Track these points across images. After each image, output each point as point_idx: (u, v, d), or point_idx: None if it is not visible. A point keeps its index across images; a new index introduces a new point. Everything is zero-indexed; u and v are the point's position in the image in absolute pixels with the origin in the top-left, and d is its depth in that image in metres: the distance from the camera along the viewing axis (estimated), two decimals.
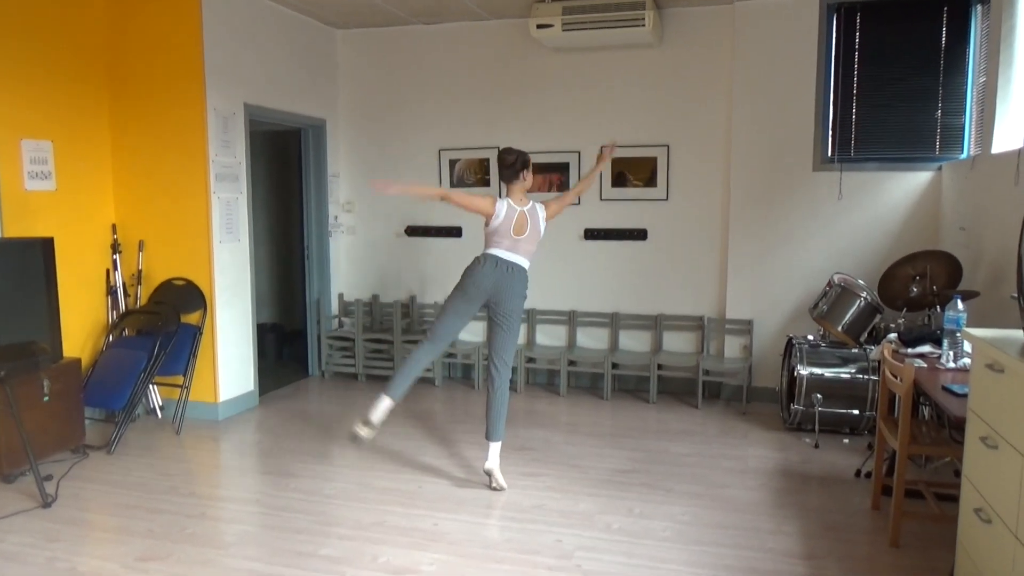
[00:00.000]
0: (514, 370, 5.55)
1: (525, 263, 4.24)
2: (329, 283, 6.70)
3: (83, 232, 5.17)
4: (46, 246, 4.39)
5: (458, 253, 6.38)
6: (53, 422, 4.39)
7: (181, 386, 5.17)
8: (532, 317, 6.37)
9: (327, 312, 6.65)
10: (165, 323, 5.07)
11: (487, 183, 6.40)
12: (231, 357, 5.45)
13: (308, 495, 4.00)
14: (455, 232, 6.52)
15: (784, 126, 5.60)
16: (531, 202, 4.27)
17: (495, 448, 4.15)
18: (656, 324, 6.12)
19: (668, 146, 5.96)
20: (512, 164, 4.24)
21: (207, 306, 5.26)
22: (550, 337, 6.40)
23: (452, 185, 6.51)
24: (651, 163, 6.01)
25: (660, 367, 5.89)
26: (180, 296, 5.28)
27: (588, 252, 6.23)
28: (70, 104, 5.02)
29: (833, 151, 5.60)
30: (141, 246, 5.41)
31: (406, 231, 6.72)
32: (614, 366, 6.04)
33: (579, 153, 6.16)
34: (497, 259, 4.16)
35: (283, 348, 7.38)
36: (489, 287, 4.13)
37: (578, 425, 5.28)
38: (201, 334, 5.22)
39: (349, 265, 6.90)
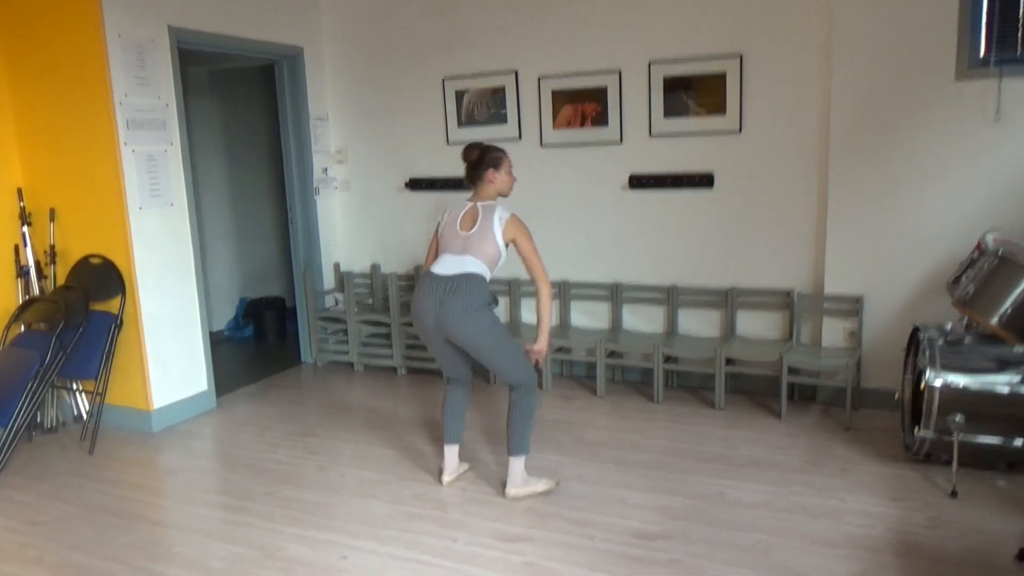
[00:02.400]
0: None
1: (478, 267, 3.18)
2: (318, 250, 5.48)
3: None
4: None
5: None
6: None
7: (93, 392, 4.10)
8: (565, 292, 4.91)
9: (318, 286, 5.45)
10: (65, 314, 3.99)
11: (503, 119, 4.93)
12: (169, 352, 4.33)
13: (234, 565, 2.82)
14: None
15: (912, 17, 3.81)
16: (496, 206, 3.25)
17: (513, 465, 3.31)
18: (727, 301, 4.53)
19: (741, 57, 4.27)
20: (475, 162, 3.27)
21: (125, 290, 4.14)
22: (589, 317, 4.94)
23: (460, 124, 5.09)
24: (718, 82, 4.35)
25: (730, 361, 4.33)
26: (96, 278, 4.18)
27: (635, 206, 4.68)
28: None
29: (988, 49, 3.77)
30: (52, 215, 4.33)
31: (407, 184, 5.37)
32: (668, 359, 4.53)
33: (619, 73, 4.57)
34: (432, 279, 3.19)
35: (286, 327, 6.28)
36: (431, 324, 3.18)
37: (608, 445, 3.85)
38: (119, 326, 4.12)
39: (346, 228, 5.65)
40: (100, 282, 4.15)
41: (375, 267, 5.49)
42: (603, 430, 4.07)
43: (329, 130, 5.49)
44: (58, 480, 3.66)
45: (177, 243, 4.35)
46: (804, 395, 4.41)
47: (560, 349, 4.83)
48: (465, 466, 3.54)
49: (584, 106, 4.69)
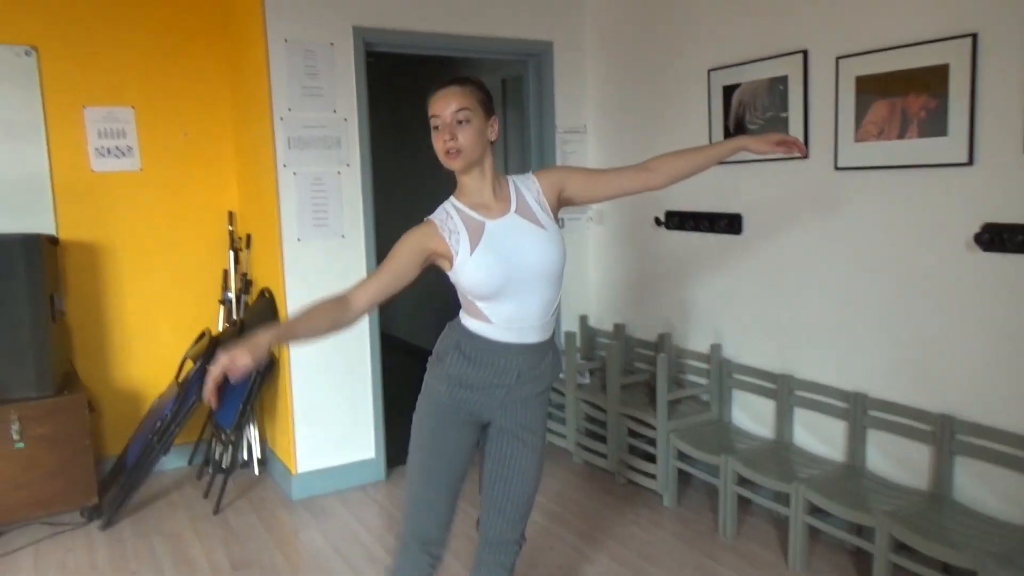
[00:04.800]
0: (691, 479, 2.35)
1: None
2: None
3: (190, 223, 4.05)
4: (28, 245, 3.34)
5: (736, 259, 3.47)
6: (31, 475, 3.36)
7: (225, 443, 3.67)
8: (857, 416, 2.95)
9: (573, 342, 4.32)
10: (212, 353, 3.62)
11: (783, 124, 3.18)
12: (323, 409, 3.70)
13: None
14: (729, 223, 3.47)
15: None
16: (509, 183, 2.01)
17: None
18: None
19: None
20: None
21: None
22: (893, 462, 2.89)
23: (727, 133, 3.46)
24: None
25: None
26: (263, 315, 3.76)
27: (992, 283, 2.53)
28: (154, 57, 3.91)
29: None
30: (248, 242, 4.06)
31: (658, 221, 3.90)
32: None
33: (972, 39, 2.49)
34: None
35: None
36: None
37: None
38: (261, 373, 3.61)
39: (599, 272, 4.40)
40: (265, 320, 3.72)
41: (619, 328, 4.15)
42: None
43: (586, 145, 4.32)
44: (164, 533, 3.30)
45: (346, 281, 3.69)
46: None
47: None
48: None
49: (907, 101, 2.69)
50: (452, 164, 1.89)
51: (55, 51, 3.68)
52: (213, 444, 3.89)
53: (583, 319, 4.38)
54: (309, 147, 3.55)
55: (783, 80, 3.15)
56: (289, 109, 3.48)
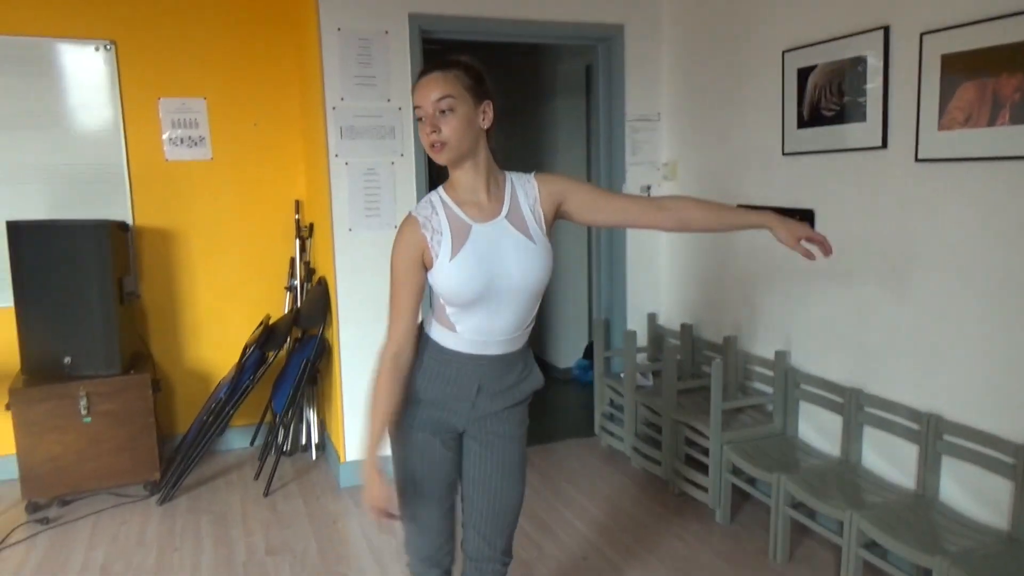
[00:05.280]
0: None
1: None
2: (623, 296, 4.14)
3: (259, 210, 4.14)
4: (98, 231, 3.50)
5: (806, 259, 3.19)
6: (98, 449, 3.54)
7: (275, 425, 3.71)
8: (929, 440, 2.60)
9: (615, 343, 4.13)
10: (266, 340, 3.67)
11: (859, 113, 2.84)
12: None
13: None
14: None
15: None
16: (506, 182, 1.84)
17: None
18: None
19: None
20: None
21: (327, 322, 3.62)
22: (976, 499, 2.53)
23: (801, 123, 3.13)
24: None
25: None
26: (319, 303, 3.79)
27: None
28: (226, 48, 3.99)
29: None
30: (311, 230, 4.10)
31: None
32: None
33: None
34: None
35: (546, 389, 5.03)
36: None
37: None
38: (311, 361, 3.63)
39: (672, 269, 4.15)
40: (319, 309, 3.75)
41: (686, 328, 3.89)
42: None
43: (660, 135, 4.07)
44: (213, 512, 3.39)
45: None
46: None
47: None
48: None
49: (998, 82, 2.32)
50: (438, 158, 1.71)
51: (133, 45, 3.83)
52: (271, 427, 3.97)
53: (651, 317, 4.15)
54: (362, 136, 3.52)
55: (861, 61, 2.81)
56: (342, 98, 3.47)
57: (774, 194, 3.32)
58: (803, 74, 3.09)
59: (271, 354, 3.76)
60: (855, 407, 2.91)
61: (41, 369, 3.53)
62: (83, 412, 3.49)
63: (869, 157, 2.83)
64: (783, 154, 3.24)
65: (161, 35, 3.87)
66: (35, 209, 3.72)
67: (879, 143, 2.76)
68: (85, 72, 3.78)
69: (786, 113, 3.20)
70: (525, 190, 1.79)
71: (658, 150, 4.07)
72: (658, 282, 4.18)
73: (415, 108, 1.71)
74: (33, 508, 3.46)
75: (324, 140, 3.48)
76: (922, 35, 2.56)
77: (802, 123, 3.12)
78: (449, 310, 1.77)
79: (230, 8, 3.98)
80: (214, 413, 3.60)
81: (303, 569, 2.96)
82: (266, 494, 3.61)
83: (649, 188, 4.08)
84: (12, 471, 3.62)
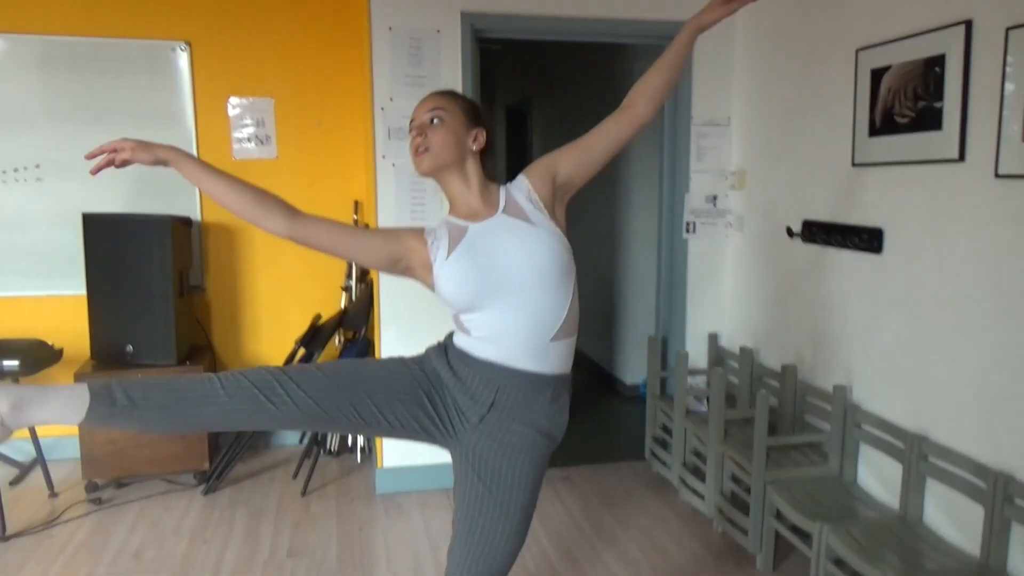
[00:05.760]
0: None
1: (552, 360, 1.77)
2: (682, 313, 3.88)
3: (321, 210, 4.15)
4: (160, 226, 3.63)
5: (873, 283, 2.89)
6: (152, 436, 3.66)
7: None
8: (1001, 500, 2.24)
9: (670, 363, 3.87)
10: (310, 339, 3.68)
11: (934, 120, 2.49)
12: None
13: None
14: (868, 239, 2.82)
15: None
16: (501, 189, 1.83)
17: None
18: None
19: None
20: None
21: (367, 324, 3.60)
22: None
23: (873, 131, 2.79)
24: None
25: None
26: (362, 304, 3.77)
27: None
28: (294, 49, 4.04)
29: None
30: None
31: (790, 232, 3.28)
32: None
33: None
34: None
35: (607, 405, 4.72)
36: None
37: None
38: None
39: (735, 286, 3.85)
40: (364, 310, 3.74)
41: (745, 352, 3.59)
42: None
43: (730, 141, 3.78)
44: (251, 507, 3.45)
45: None
46: None
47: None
48: None
49: None
50: (419, 164, 1.76)
51: (206, 45, 3.96)
52: None
53: (712, 338, 3.86)
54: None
55: (939, 60, 2.46)
56: (391, 99, 3.43)
57: (841, 210, 2.99)
58: (877, 75, 2.75)
59: (316, 353, 3.78)
60: (917, 456, 2.56)
61: (106, 355, 3.71)
62: None
63: (943, 171, 2.47)
64: (852, 165, 2.91)
65: (233, 36, 3.99)
66: (112, 202, 3.92)
67: (955, 155, 2.41)
68: (163, 72, 3.94)
69: (857, 119, 2.86)
70: (518, 187, 1.79)
71: (726, 157, 3.79)
72: (721, 301, 3.89)
73: (410, 123, 1.79)
74: (92, 488, 3.64)
75: (372, 140, 3.46)
76: (1008, 30, 2.20)
77: (874, 131, 2.78)
78: (463, 317, 1.74)
79: (298, 10, 4.04)
80: None
81: (319, 572, 2.94)
82: (303, 494, 3.63)
83: (715, 198, 3.81)
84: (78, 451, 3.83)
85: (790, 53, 3.32)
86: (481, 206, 1.76)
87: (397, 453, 3.64)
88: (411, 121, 1.77)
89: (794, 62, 3.29)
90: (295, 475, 3.79)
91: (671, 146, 3.80)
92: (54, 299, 3.94)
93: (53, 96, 3.85)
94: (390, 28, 3.39)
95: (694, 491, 3.38)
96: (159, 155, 1.65)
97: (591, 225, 5.93)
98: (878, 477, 2.82)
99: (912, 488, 2.59)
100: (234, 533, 3.27)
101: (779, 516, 2.86)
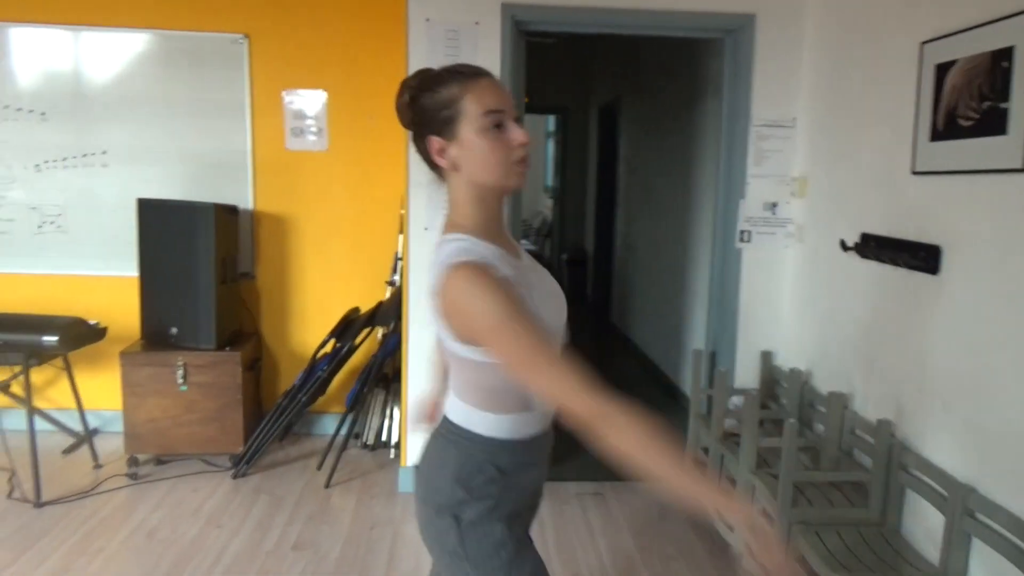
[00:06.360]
0: None
1: (461, 411, 1.48)
2: (733, 327, 3.59)
3: (369, 204, 4.17)
4: (203, 214, 3.70)
5: (928, 307, 2.58)
6: (191, 416, 3.76)
7: (341, 417, 3.67)
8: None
9: (723, 380, 3.59)
10: (341, 333, 3.65)
11: (998, 123, 2.14)
12: None
13: None
14: (924, 257, 2.47)
15: None
16: (449, 244, 1.39)
17: None
18: None
19: None
20: (409, 121, 1.48)
21: (396, 322, 3.52)
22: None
23: (935, 134, 2.44)
24: None
25: None
26: (394, 301, 3.71)
27: None
28: (347, 42, 4.03)
29: None
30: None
31: (844, 245, 2.94)
32: None
33: None
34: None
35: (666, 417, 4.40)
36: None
37: None
38: (382, 358, 3.55)
39: (794, 302, 3.52)
40: (395, 307, 3.68)
41: (795, 374, 3.27)
42: None
43: (794, 144, 3.46)
44: (273, 495, 3.47)
45: None
46: None
47: None
48: None
49: None
50: (522, 181, 1.39)
51: (264, 38, 4.02)
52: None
53: (766, 356, 3.56)
54: None
55: (1006, 53, 2.12)
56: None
57: (898, 223, 2.65)
58: (942, 72, 2.41)
59: (347, 344, 3.75)
60: (962, 509, 2.22)
61: (153, 336, 3.84)
62: (180, 381, 3.73)
63: (1008, 181, 2.13)
64: (912, 173, 2.57)
65: (290, 29, 4.02)
66: (171, 189, 4.05)
67: (1019, 164, 2.06)
68: (224, 64, 4.03)
69: (920, 122, 2.53)
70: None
71: (789, 162, 3.47)
72: (779, 316, 3.57)
73: (492, 112, 1.33)
74: (133, 463, 3.77)
75: (405, 136, 3.39)
76: None
77: (936, 135, 2.44)
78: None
79: (351, 2, 4.02)
80: (288, 397, 3.68)
81: (316, 570, 2.90)
82: (327, 486, 3.62)
83: (775, 206, 3.50)
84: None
85: (859, 45, 2.99)
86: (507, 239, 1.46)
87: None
88: (495, 111, 1.33)
89: (859, 56, 2.96)
90: (319, 466, 3.79)
91: (728, 148, 3.52)
92: (113, 279, 4.12)
93: (121, 86, 4.02)
94: (427, 20, 3.31)
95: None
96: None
97: (662, 230, 5.67)
98: (923, 528, 2.48)
99: (955, 545, 2.25)
100: (248, 520, 3.28)
101: (802, 560, 2.57)
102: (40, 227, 4.10)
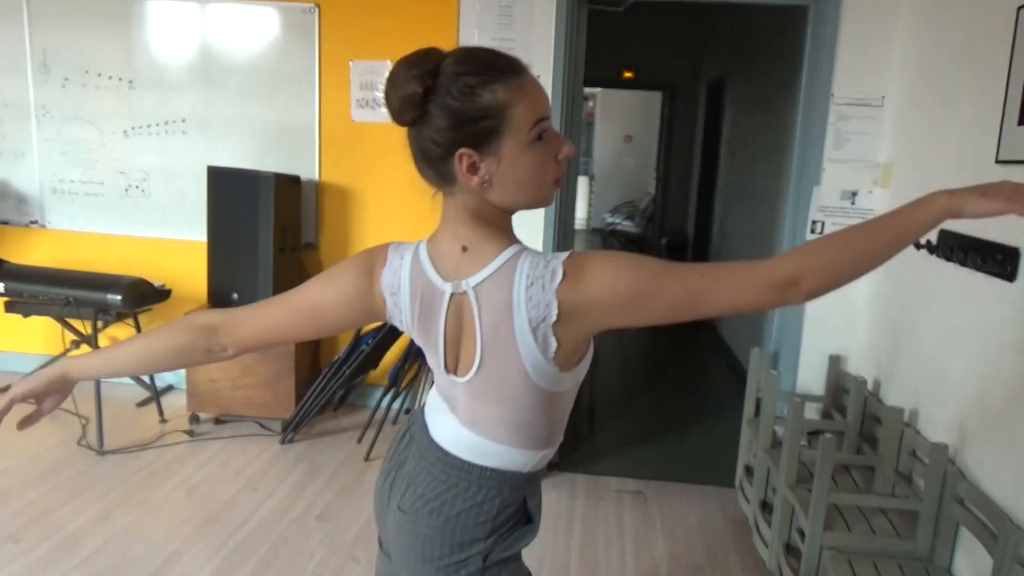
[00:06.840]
0: None
1: (502, 454, 1.25)
2: (797, 327, 3.28)
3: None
4: (263, 182, 3.76)
5: (1001, 318, 2.26)
6: (246, 380, 3.87)
7: (382, 392, 3.65)
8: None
9: (783, 384, 3.31)
10: None
11: None
12: None
13: None
14: (1001, 261, 2.13)
15: None
16: (521, 252, 1.17)
17: None
18: None
19: None
20: (412, 120, 1.17)
21: None
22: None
23: (1022, 121, 2.08)
24: None
25: None
26: None
27: None
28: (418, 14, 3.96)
29: None
30: None
31: (917, 243, 2.58)
32: None
33: None
34: (403, 448, 1.39)
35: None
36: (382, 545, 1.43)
37: None
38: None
39: (870, 301, 3.17)
40: None
41: (860, 383, 2.93)
42: None
43: (882, 125, 3.09)
44: (313, 463, 3.51)
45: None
46: None
47: None
48: None
49: None
50: (552, 198, 1.21)
51: (333, 8, 4.01)
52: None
53: (834, 360, 3.23)
54: None
55: None
56: None
57: (979, 221, 2.29)
58: None
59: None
60: (1011, 552, 1.90)
61: (217, 301, 3.97)
62: None
63: None
64: (996, 162, 2.21)
65: (358, 0, 4.00)
66: (244, 158, 4.15)
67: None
68: (295, 34, 4.07)
69: (1008, 103, 2.16)
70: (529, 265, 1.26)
71: (873, 146, 3.11)
72: (852, 318, 3.23)
73: (540, 121, 1.12)
74: (193, 420, 3.94)
75: None
76: None
77: (1023, 119, 2.08)
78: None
79: None
80: (333, 368, 3.71)
81: (332, 542, 2.91)
82: (366, 459, 3.63)
83: (855, 194, 3.15)
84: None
85: (953, 9, 2.61)
86: None
87: None
88: (541, 119, 1.12)
89: (957, 21, 2.58)
90: (359, 440, 3.80)
91: (802, 129, 3.20)
92: (187, 244, 4.29)
93: (199, 56, 4.14)
94: None
95: (762, 537, 2.87)
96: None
97: (753, 218, 5.30)
98: (975, 569, 2.16)
99: None
100: (283, 486, 3.34)
101: None
102: (126, 190, 4.32)
